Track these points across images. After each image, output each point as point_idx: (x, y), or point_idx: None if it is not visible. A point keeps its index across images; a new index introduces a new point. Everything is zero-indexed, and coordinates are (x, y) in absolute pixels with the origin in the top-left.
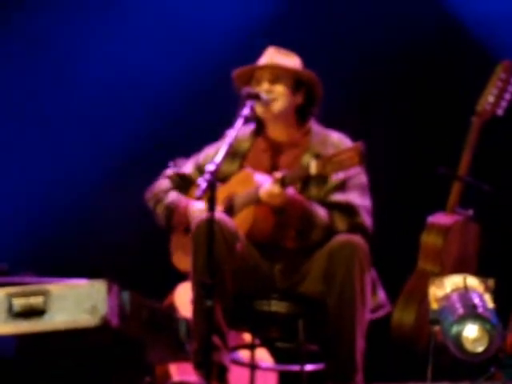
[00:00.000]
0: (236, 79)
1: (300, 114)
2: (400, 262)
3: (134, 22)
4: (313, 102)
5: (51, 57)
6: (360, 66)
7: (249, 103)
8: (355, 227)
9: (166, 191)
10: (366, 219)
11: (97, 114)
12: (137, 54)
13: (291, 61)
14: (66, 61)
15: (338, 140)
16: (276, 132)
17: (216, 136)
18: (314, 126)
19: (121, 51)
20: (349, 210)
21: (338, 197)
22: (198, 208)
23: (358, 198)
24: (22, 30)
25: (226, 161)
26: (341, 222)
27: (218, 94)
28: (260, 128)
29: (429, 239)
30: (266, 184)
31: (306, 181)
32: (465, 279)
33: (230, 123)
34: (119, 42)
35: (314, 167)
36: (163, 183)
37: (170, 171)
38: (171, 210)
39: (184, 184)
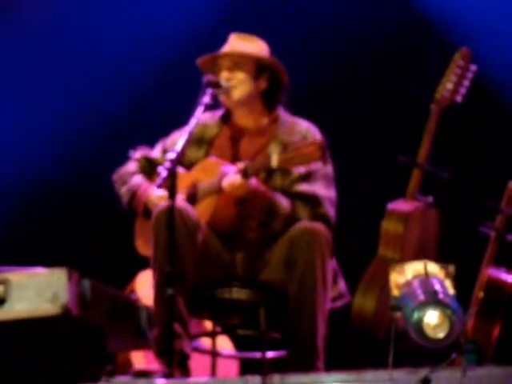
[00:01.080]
0: (201, 67)
1: (267, 101)
2: (360, 249)
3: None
4: (279, 88)
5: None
6: (322, 54)
7: (209, 91)
8: (318, 218)
9: (132, 174)
10: (330, 210)
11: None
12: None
13: (253, 46)
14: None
15: (306, 129)
16: (242, 119)
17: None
18: (282, 114)
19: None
20: (312, 200)
21: (302, 187)
22: (156, 194)
23: (323, 189)
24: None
25: (191, 147)
26: (303, 212)
27: (190, 78)
28: (228, 115)
29: (389, 226)
30: (228, 174)
31: (268, 171)
32: (425, 265)
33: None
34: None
35: (274, 160)
36: (130, 166)
37: (138, 154)
38: (132, 193)
39: (151, 168)
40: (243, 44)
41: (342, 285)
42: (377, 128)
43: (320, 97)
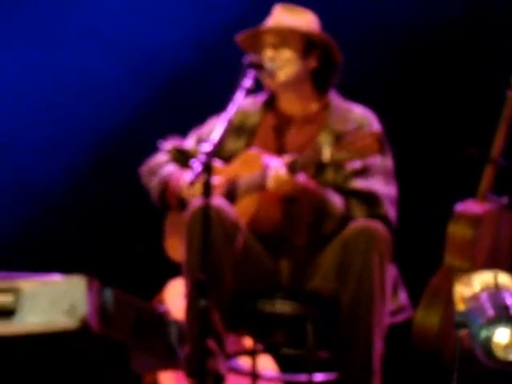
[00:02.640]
0: (242, 45)
1: (318, 84)
2: (424, 256)
3: None
4: (331, 68)
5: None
6: (385, 36)
7: (251, 73)
8: (376, 219)
9: (163, 164)
10: (390, 210)
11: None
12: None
13: (301, 19)
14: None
15: (362, 117)
16: (288, 104)
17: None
18: (334, 99)
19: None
20: (370, 198)
21: (358, 183)
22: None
23: (382, 186)
24: None
25: (230, 137)
26: (359, 212)
27: (231, 58)
28: (272, 100)
29: (457, 230)
30: (273, 168)
31: (320, 165)
32: (496, 276)
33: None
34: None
35: (327, 153)
36: (160, 157)
37: (168, 145)
38: (165, 183)
39: (185, 160)
40: (290, 17)
41: (402, 296)
42: (444, 118)
43: (378, 82)
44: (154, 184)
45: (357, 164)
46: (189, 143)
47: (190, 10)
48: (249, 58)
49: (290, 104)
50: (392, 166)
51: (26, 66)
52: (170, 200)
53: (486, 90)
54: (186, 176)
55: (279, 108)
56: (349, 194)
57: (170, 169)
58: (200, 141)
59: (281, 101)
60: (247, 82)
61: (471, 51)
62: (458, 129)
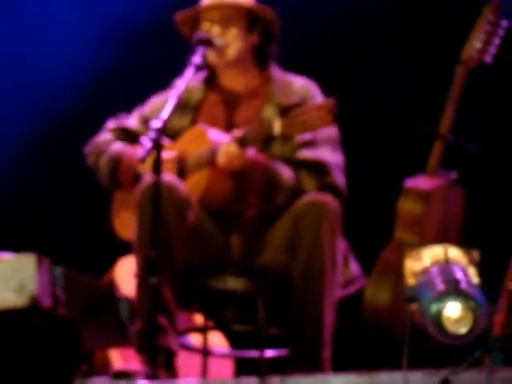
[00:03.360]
0: (180, 24)
1: (258, 57)
2: (373, 231)
3: None
4: (270, 40)
5: None
6: (330, 5)
7: (200, 50)
8: (326, 187)
9: (109, 142)
10: (339, 178)
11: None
12: None
13: None
14: None
15: (303, 88)
16: (232, 81)
17: (161, 85)
18: (275, 72)
19: None
20: (319, 168)
21: (305, 153)
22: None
23: (329, 155)
24: None
25: (175, 115)
26: (309, 182)
27: (163, 39)
28: (212, 77)
29: (406, 206)
30: (223, 144)
31: (269, 138)
32: (446, 250)
33: (176, 71)
34: None
35: (277, 127)
36: (105, 136)
37: (111, 124)
38: (116, 160)
39: (128, 139)
40: None
41: (353, 266)
42: (392, 93)
43: (327, 55)
44: (103, 162)
45: (307, 136)
46: (132, 122)
47: None
48: (198, 34)
49: (233, 80)
50: (337, 134)
51: None
52: (122, 177)
53: (435, 64)
54: (140, 151)
55: (222, 84)
56: (297, 164)
57: (119, 146)
58: (144, 119)
59: (223, 77)
60: (197, 59)
61: (420, 25)
62: (407, 104)
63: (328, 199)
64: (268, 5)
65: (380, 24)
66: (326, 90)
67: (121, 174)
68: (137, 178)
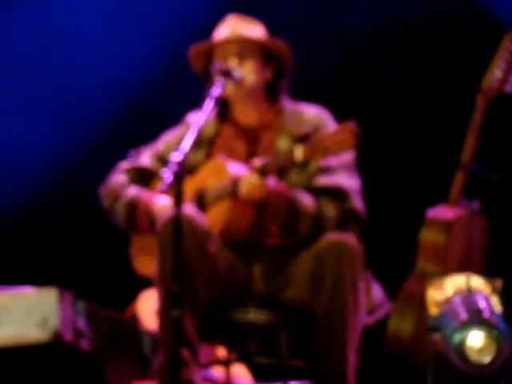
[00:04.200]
0: (193, 57)
1: (270, 91)
2: (396, 262)
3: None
4: (282, 75)
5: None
6: (349, 34)
7: (219, 81)
8: (347, 213)
9: (124, 186)
10: (358, 202)
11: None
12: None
13: (256, 30)
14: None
15: (315, 116)
16: (245, 114)
17: (170, 122)
18: (286, 103)
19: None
20: (337, 193)
21: (323, 180)
22: (162, 203)
23: (346, 180)
24: None
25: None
26: (330, 209)
27: (171, 76)
28: (224, 111)
29: (429, 236)
30: (244, 175)
31: (287, 167)
32: (468, 280)
33: (184, 107)
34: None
35: (299, 154)
36: (119, 178)
37: (125, 164)
38: (132, 207)
39: (143, 178)
40: (246, 28)
41: (377, 292)
42: (414, 123)
43: (352, 85)
44: (119, 207)
45: (330, 161)
46: (145, 161)
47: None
48: (218, 65)
49: (246, 113)
50: (353, 158)
51: None
52: (140, 223)
53: (457, 94)
54: (156, 198)
55: (234, 118)
56: (316, 191)
57: (134, 191)
58: (157, 157)
59: (237, 110)
60: (216, 90)
61: (441, 55)
62: (429, 133)
63: (349, 239)
64: (281, 36)
65: (401, 53)
66: (356, 121)
67: (138, 220)
68: (153, 224)
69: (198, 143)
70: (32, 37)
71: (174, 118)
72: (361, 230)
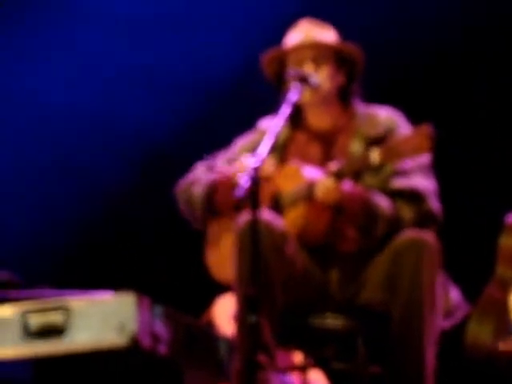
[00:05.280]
0: (266, 64)
1: (342, 95)
2: (475, 268)
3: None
4: (354, 79)
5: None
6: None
7: (296, 86)
8: (424, 215)
9: (201, 176)
10: (434, 204)
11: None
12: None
13: (329, 35)
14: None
15: (388, 118)
16: (319, 119)
17: (242, 128)
18: (359, 106)
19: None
20: (413, 196)
21: (398, 182)
22: (246, 164)
23: (422, 181)
24: None
25: None
26: (407, 211)
27: (245, 82)
28: (297, 116)
29: (508, 241)
30: (320, 178)
31: (362, 170)
32: None
33: (257, 113)
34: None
35: (376, 157)
36: (195, 174)
37: (201, 165)
38: (213, 187)
39: None
40: (319, 33)
41: (454, 295)
42: (494, 126)
43: (437, 86)
44: (197, 191)
45: (407, 164)
46: (220, 165)
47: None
48: (294, 71)
49: (319, 118)
50: (428, 160)
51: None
52: (220, 201)
53: None
54: (241, 163)
55: (307, 123)
56: (392, 194)
57: (212, 175)
58: (231, 162)
59: (310, 115)
60: (293, 96)
61: None
62: (509, 137)
63: (428, 236)
64: (354, 41)
65: (480, 56)
66: (434, 122)
67: (219, 195)
68: (237, 203)
69: (272, 148)
70: None
71: (246, 124)
72: (438, 231)
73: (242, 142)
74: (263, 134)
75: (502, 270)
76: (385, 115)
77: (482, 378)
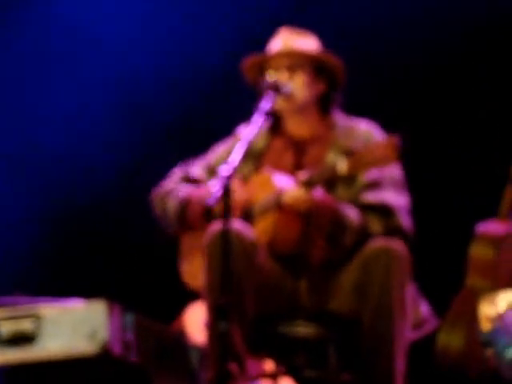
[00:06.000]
0: (246, 70)
1: (323, 105)
2: (445, 278)
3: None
4: (335, 88)
5: None
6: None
7: (269, 96)
8: (393, 231)
9: (177, 187)
10: (405, 220)
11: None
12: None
13: (309, 43)
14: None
15: (367, 132)
16: (297, 127)
17: (221, 133)
18: (338, 117)
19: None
20: (384, 211)
21: (370, 196)
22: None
23: (394, 197)
24: None
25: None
26: (375, 225)
27: (224, 87)
28: (277, 124)
29: (478, 251)
30: (289, 187)
31: (332, 180)
32: None
33: (237, 119)
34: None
35: (343, 167)
36: (170, 184)
37: (177, 173)
38: (185, 200)
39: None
40: (299, 41)
41: (423, 309)
42: (463, 133)
43: (399, 97)
44: (171, 203)
45: (370, 175)
46: (196, 171)
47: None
48: (267, 80)
49: (297, 126)
50: (401, 175)
51: None
52: (192, 216)
53: (507, 107)
54: (211, 186)
55: (286, 131)
56: (363, 208)
57: (187, 188)
58: (209, 168)
59: (288, 123)
60: (266, 105)
61: (496, 61)
62: (479, 145)
63: (397, 245)
64: (334, 51)
65: (449, 64)
66: (403, 133)
67: (190, 212)
68: (207, 215)
69: (247, 155)
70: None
71: (226, 129)
72: (408, 248)
73: (219, 149)
74: (240, 140)
75: (472, 279)
76: (363, 128)
77: None
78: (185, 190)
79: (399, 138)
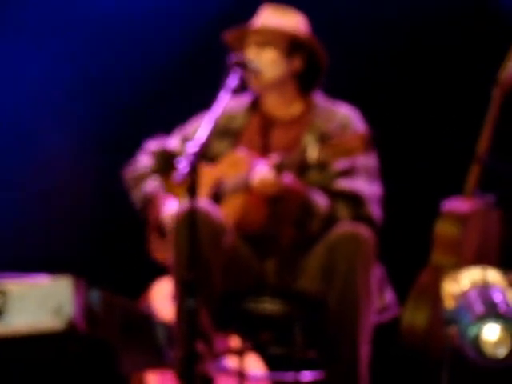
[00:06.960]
0: (229, 44)
1: (302, 85)
2: (410, 256)
3: None
4: (316, 70)
5: None
6: (368, 32)
7: (236, 72)
8: (361, 218)
9: (147, 175)
10: (374, 210)
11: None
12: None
13: (287, 20)
14: None
15: (345, 116)
16: (273, 106)
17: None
18: (319, 99)
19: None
20: (354, 199)
21: (342, 183)
22: (171, 210)
23: (366, 186)
24: None
25: (215, 139)
26: (344, 212)
27: (211, 58)
28: (257, 102)
29: (443, 228)
30: (258, 169)
31: (303, 166)
32: (484, 273)
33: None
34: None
35: (314, 154)
36: (145, 161)
37: (153, 145)
38: (147, 201)
39: (169, 161)
40: (277, 17)
41: (388, 295)
42: (429, 116)
43: (364, 79)
44: (136, 196)
45: (342, 164)
46: (173, 143)
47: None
48: (233, 57)
49: (274, 105)
50: (376, 164)
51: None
52: (150, 219)
53: (473, 87)
54: (169, 205)
55: (264, 109)
56: (333, 194)
57: (152, 185)
58: (185, 140)
59: (265, 102)
60: (232, 82)
61: (456, 48)
62: (445, 126)
63: (362, 230)
64: (318, 35)
65: (416, 47)
66: (368, 114)
67: (150, 212)
68: (160, 228)
69: (224, 133)
70: None
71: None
72: (375, 233)
73: (197, 122)
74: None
75: (437, 256)
76: (343, 112)
77: (417, 365)
78: (149, 188)
79: (372, 131)
